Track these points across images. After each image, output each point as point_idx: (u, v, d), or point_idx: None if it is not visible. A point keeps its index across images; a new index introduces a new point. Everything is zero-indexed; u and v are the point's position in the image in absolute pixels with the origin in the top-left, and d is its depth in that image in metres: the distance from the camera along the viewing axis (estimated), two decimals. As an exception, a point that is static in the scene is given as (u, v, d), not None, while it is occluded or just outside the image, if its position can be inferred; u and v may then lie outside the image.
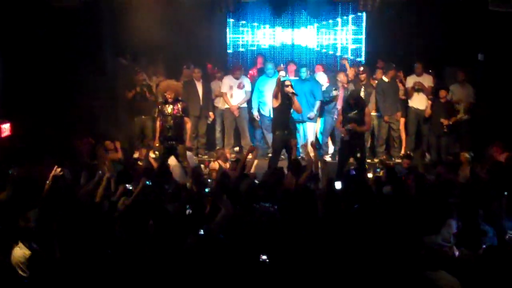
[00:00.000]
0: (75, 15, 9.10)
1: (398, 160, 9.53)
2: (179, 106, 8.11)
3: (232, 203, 5.42)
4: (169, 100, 8.06)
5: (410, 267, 4.46)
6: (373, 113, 9.71)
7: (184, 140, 8.23)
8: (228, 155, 9.04)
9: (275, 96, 8.37)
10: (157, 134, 8.24)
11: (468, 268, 4.61)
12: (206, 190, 6.42)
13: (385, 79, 9.71)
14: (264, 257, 4.41)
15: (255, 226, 5.03)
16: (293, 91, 8.29)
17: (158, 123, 8.28)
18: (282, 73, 8.46)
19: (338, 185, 6.37)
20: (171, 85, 8.23)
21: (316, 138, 9.72)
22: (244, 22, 11.38)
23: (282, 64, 9.60)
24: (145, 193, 5.81)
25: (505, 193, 5.81)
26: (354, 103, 8.33)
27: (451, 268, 4.44)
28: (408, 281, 4.37)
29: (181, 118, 8.14)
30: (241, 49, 11.42)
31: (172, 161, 8.07)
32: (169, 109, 8.07)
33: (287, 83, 8.33)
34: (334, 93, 9.50)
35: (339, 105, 9.44)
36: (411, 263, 4.49)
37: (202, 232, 4.83)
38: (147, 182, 6.06)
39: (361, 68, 10.04)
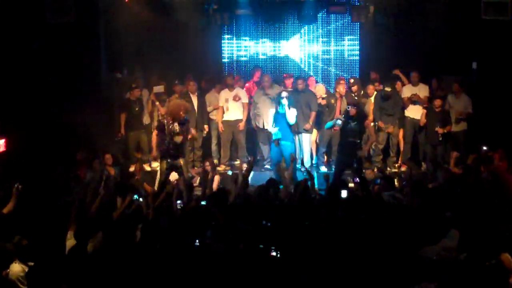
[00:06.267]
0: (71, 29, 9.02)
1: (395, 170, 9.53)
2: (187, 125, 8.16)
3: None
4: (180, 119, 7.98)
5: (408, 279, 4.39)
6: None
7: (185, 155, 8.28)
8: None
9: None
10: (154, 148, 8.34)
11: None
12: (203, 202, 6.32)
13: (387, 89, 9.45)
14: (274, 253, 4.43)
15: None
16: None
17: (154, 137, 8.33)
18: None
19: (344, 193, 6.18)
20: (183, 105, 8.16)
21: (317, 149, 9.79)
22: (239, 34, 11.45)
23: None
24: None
25: None
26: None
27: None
28: None
29: (187, 137, 8.26)
30: (236, 61, 11.49)
31: (173, 176, 8.02)
32: (177, 128, 7.99)
33: (283, 94, 8.52)
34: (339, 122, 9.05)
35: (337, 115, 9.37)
36: (409, 274, 4.42)
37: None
38: (135, 197, 6.08)
39: (352, 80, 10.01)
